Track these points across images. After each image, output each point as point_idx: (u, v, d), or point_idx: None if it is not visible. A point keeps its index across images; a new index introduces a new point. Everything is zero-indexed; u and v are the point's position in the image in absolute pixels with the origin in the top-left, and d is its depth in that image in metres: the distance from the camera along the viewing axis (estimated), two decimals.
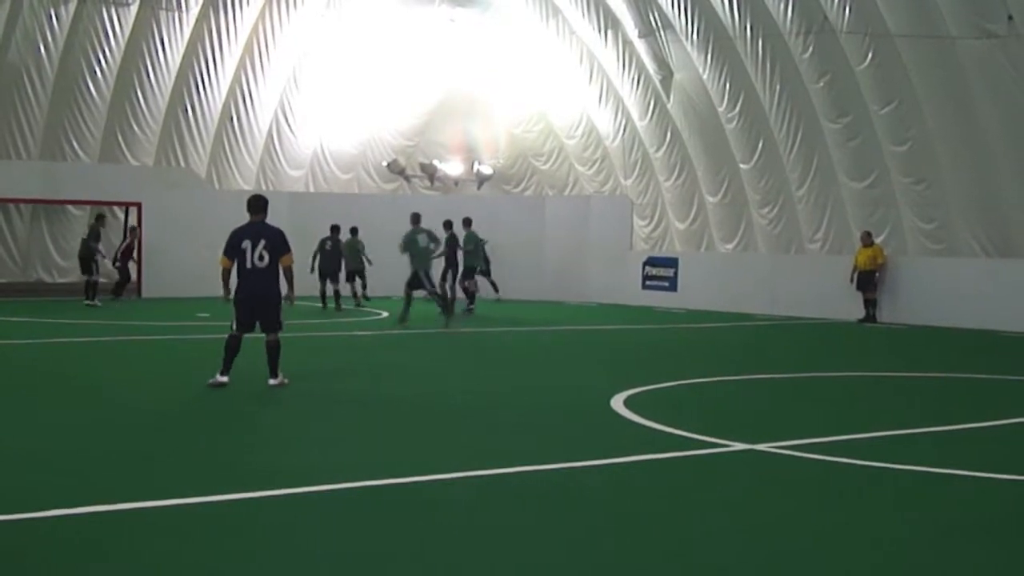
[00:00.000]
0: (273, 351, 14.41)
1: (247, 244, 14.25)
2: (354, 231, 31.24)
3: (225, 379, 14.23)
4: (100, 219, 31.52)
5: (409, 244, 24.86)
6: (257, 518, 8.03)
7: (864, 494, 9.16)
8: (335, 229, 30.22)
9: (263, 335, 14.48)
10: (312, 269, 29.67)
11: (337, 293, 29.94)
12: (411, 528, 7.79)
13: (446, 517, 8.15)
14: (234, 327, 14.44)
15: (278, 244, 14.40)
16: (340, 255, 30.26)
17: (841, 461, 10.27)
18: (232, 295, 14.49)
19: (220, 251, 14.50)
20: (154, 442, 10.79)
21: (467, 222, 31.03)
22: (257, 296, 14.40)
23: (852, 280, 29.27)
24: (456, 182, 41.95)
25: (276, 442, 11.11)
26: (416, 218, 25.62)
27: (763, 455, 10.64)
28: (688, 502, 8.81)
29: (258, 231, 14.40)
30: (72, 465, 9.63)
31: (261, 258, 14.24)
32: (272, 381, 14.34)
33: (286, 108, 38.55)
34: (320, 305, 29.81)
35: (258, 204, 14.73)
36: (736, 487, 9.39)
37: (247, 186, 37.58)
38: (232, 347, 14.37)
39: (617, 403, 13.41)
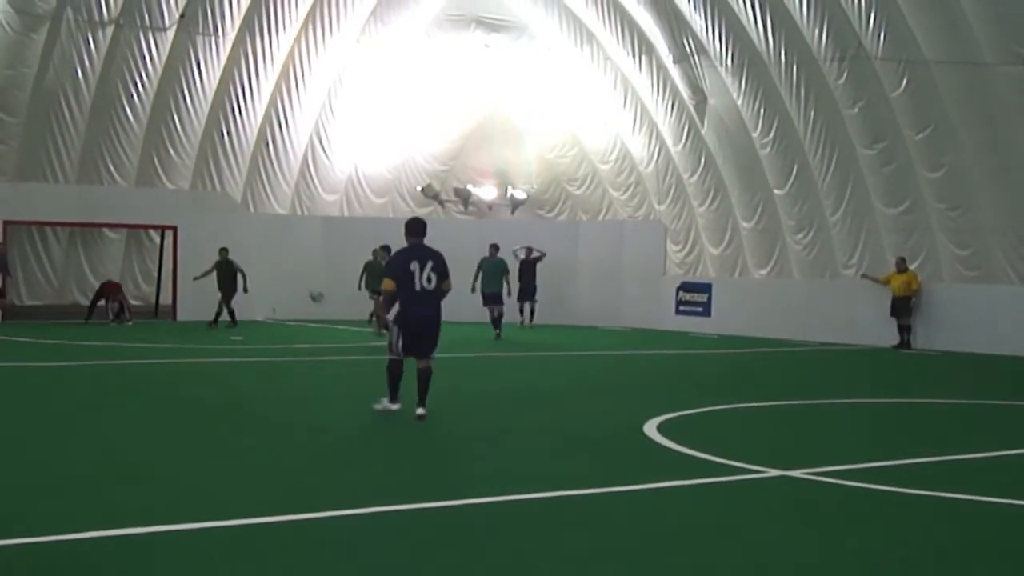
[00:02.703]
0: (427, 378, 14.00)
1: (415, 266, 13.96)
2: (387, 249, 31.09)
3: (397, 406, 14.07)
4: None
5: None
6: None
7: (898, 521, 9.11)
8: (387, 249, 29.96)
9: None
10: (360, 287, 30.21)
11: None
12: (439, 553, 7.80)
13: (481, 542, 8.15)
14: (397, 351, 14.10)
15: (444, 267, 14.13)
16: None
17: (875, 488, 10.21)
18: (395, 319, 14.10)
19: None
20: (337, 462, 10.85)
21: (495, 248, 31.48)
22: (425, 320, 14.12)
23: (883, 284, 29.33)
24: (490, 207, 41.97)
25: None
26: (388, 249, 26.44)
27: (797, 481, 10.59)
28: (721, 528, 8.77)
29: (424, 253, 14.13)
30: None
31: (429, 280, 13.96)
32: (421, 411, 13.78)
33: (321, 132, 38.68)
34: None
35: (420, 227, 14.45)
36: (769, 513, 9.36)
37: (282, 210, 37.75)
38: (396, 373, 14.14)
39: (650, 428, 13.39)
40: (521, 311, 33.97)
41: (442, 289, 14.13)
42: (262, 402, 15.92)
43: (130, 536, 7.92)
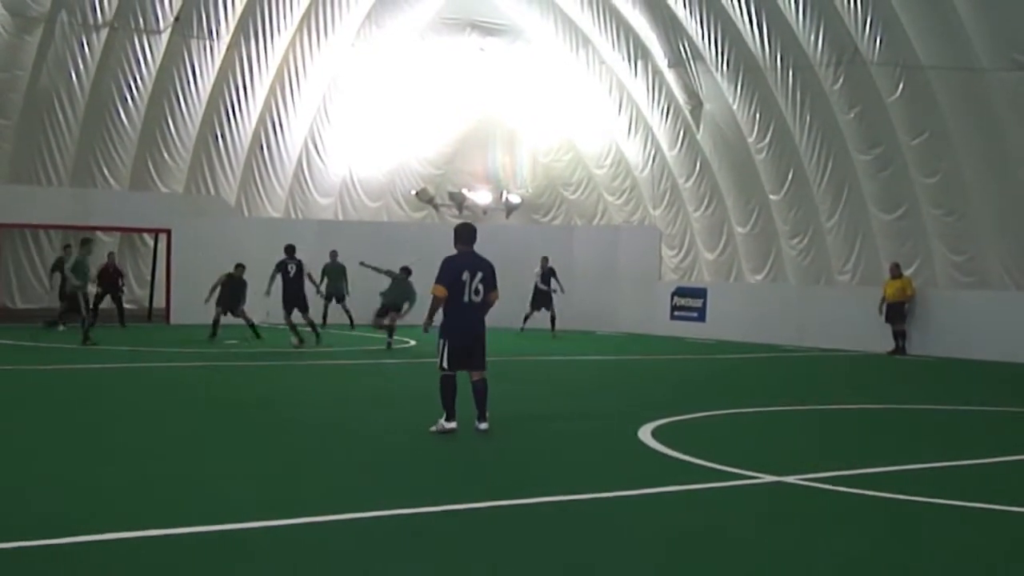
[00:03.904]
0: (484, 390, 13.52)
1: (466, 276, 13.36)
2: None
3: (454, 424, 13.20)
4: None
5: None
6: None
7: (892, 528, 9.05)
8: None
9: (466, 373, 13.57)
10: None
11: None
12: (430, 559, 7.74)
13: (470, 546, 8.09)
14: (446, 365, 13.33)
15: (493, 277, 13.61)
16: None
17: (869, 494, 10.17)
18: (441, 330, 13.48)
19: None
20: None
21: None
22: (474, 332, 13.51)
23: (881, 311, 29.13)
24: (484, 211, 41.93)
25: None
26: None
27: (791, 487, 10.54)
28: (714, 534, 8.72)
29: (475, 263, 13.53)
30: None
31: (477, 292, 13.39)
32: (484, 425, 13.40)
33: (316, 136, 38.66)
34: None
35: (471, 234, 13.78)
36: (763, 519, 9.29)
37: (276, 214, 37.70)
38: (451, 388, 13.30)
39: (644, 433, 13.33)
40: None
41: (488, 300, 13.61)
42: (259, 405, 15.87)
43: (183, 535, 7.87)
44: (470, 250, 13.68)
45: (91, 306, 27.18)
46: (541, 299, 33.17)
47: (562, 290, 32.96)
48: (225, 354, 24.43)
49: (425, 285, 15.31)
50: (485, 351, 13.66)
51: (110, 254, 32.96)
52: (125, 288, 32.65)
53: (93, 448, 11.98)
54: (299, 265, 26.49)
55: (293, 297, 26.33)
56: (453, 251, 13.73)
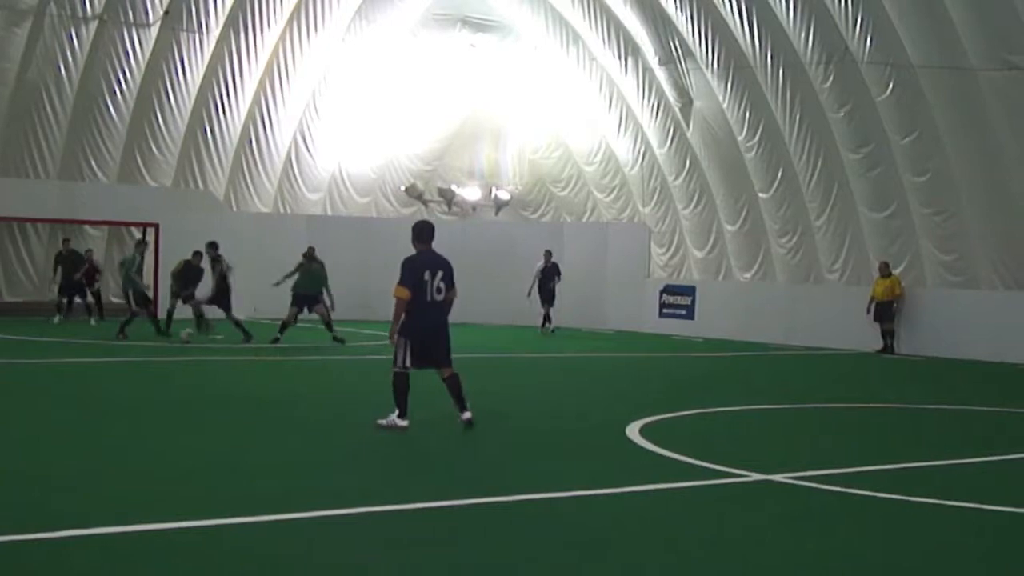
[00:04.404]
0: (458, 384, 13.50)
1: (428, 275, 13.30)
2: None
3: (406, 423, 13.08)
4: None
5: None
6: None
7: (879, 526, 9.03)
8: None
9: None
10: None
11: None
12: (414, 557, 7.70)
13: (459, 543, 8.06)
14: (405, 363, 13.22)
15: (452, 276, 13.56)
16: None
17: (857, 493, 10.17)
18: (402, 328, 13.32)
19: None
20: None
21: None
22: (437, 331, 13.50)
23: (869, 311, 29.17)
24: (474, 207, 41.89)
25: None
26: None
27: (779, 486, 10.53)
28: (701, 532, 8.71)
29: (436, 262, 13.50)
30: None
31: (439, 290, 13.35)
32: (468, 415, 13.35)
33: (305, 131, 38.54)
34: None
35: (430, 232, 13.73)
36: (751, 518, 9.28)
37: (265, 208, 37.60)
38: (403, 386, 13.21)
39: (633, 431, 13.31)
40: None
41: (449, 298, 13.56)
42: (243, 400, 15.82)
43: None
44: (430, 248, 13.66)
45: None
46: (545, 294, 33.22)
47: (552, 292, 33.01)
48: (212, 349, 24.37)
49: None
50: (449, 348, 13.64)
51: (88, 250, 32.88)
52: (100, 283, 32.53)
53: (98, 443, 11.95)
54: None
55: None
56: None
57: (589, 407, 16.54)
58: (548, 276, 33.12)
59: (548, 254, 33.33)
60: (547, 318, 33.36)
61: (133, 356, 22.42)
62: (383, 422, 13.13)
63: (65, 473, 10.14)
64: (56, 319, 30.52)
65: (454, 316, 13.75)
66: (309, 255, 26.56)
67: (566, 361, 25.02)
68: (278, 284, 26.58)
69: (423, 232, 13.68)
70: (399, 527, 8.50)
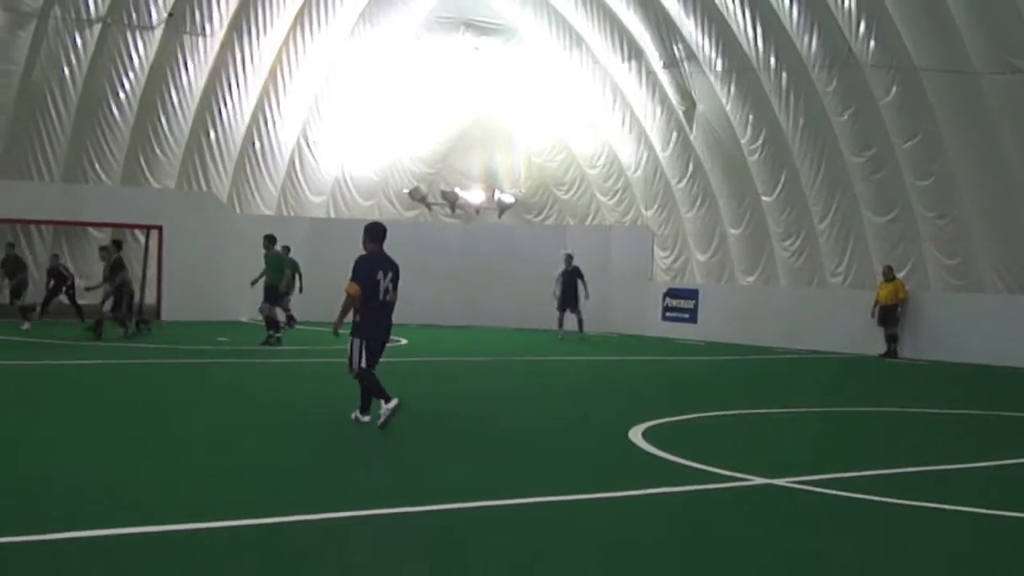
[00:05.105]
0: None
1: (380, 275, 13.53)
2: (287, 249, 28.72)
3: (396, 401, 13.18)
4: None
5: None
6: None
7: (881, 531, 9.02)
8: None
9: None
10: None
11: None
12: (423, 559, 7.70)
13: (458, 547, 8.05)
14: (364, 364, 13.47)
15: (398, 279, 13.76)
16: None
17: (859, 497, 10.14)
18: (356, 328, 13.57)
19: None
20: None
21: (269, 240, 27.28)
22: (387, 331, 13.84)
23: (873, 315, 29.14)
24: (477, 210, 41.91)
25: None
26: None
27: (781, 490, 10.50)
28: (704, 536, 8.69)
29: (388, 262, 13.72)
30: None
31: (387, 291, 13.58)
32: (365, 418, 13.60)
33: (308, 134, 38.60)
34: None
35: (382, 232, 13.97)
36: (753, 522, 9.26)
37: (268, 211, 37.62)
38: (373, 378, 13.45)
39: (635, 435, 13.29)
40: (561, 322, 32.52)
41: (393, 300, 13.78)
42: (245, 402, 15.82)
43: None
44: (380, 249, 13.89)
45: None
46: (566, 299, 32.20)
47: (587, 295, 31.95)
48: (218, 351, 24.37)
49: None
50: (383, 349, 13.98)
51: (54, 255, 32.60)
52: (74, 287, 31.80)
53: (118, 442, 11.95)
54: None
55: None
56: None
57: (592, 410, 16.49)
58: (569, 280, 32.25)
59: (568, 257, 32.63)
60: (560, 323, 32.32)
61: (146, 358, 22.41)
62: (383, 416, 13.14)
63: (92, 477, 10.13)
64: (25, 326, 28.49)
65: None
66: (267, 243, 26.83)
67: (568, 364, 24.98)
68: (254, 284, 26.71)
69: (376, 232, 13.95)
70: (397, 530, 8.49)
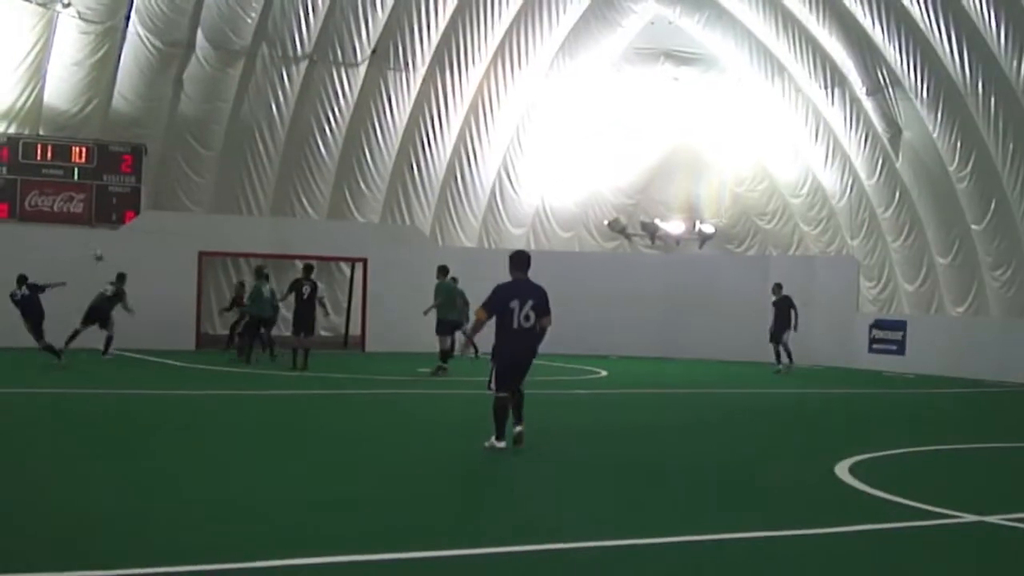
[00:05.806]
0: (521, 399, 13.98)
1: (515, 303, 13.75)
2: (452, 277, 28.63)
3: (504, 443, 13.65)
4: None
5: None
6: None
7: None
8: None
9: None
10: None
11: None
12: None
13: None
14: (494, 387, 13.84)
15: (544, 304, 13.90)
16: None
17: None
18: (493, 352, 14.00)
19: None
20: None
21: (442, 271, 27.73)
22: (521, 356, 13.97)
23: None
24: (677, 241, 41.74)
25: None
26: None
27: (994, 527, 10.16)
28: (911, 574, 8.44)
29: (527, 290, 13.90)
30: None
31: (527, 318, 13.75)
32: (519, 428, 13.84)
33: (509, 166, 38.97)
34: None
35: (525, 261, 14.25)
36: (964, 561, 8.97)
37: (470, 243, 38.02)
38: (503, 410, 13.75)
39: (842, 470, 13.01)
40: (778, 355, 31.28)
41: (541, 326, 13.91)
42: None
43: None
44: (524, 278, 14.11)
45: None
46: (775, 329, 31.03)
47: (795, 326, 30.70)
48: (427, 382, 24.65)
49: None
50: (526, 373, 14.15)
51: (239, 284, 32.86)
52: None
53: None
54: (313, 287, 26.26)
55: (301, 320, 26.07)
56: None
57: (797, 444, 16.25)
58: (781, 310, 31.27)
59: (777, 287, 31.48)
60: (778, 356, 31.09)
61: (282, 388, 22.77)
62: (486, 444, 13.76)
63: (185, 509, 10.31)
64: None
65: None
66: (264, 275, 28.13)
67: (773, 397, 24.64)
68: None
69: (518, 261, 14.28)
70: (550, 569, 8.43)
